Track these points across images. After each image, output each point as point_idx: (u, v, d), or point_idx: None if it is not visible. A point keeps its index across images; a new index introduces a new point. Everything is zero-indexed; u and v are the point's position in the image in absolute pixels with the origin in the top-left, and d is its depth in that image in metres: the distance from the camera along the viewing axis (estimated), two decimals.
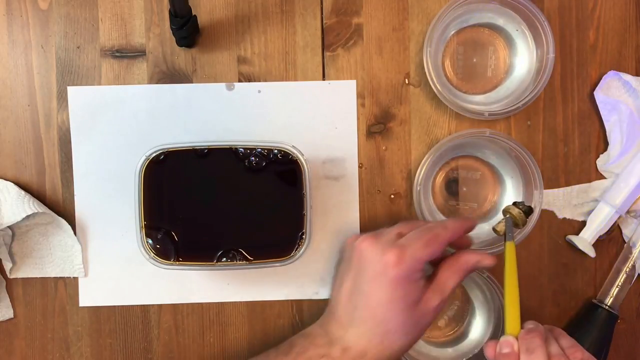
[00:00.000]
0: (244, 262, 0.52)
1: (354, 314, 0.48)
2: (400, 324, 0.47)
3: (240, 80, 0.57)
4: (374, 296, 0.47)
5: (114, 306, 0.57)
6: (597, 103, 0.57)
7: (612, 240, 0.59)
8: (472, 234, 0.58)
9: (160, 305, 0.57)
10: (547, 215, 0.58)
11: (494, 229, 0.51)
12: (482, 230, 0.58)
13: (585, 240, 0.57)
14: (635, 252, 0.57)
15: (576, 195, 0.58)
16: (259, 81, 0.57)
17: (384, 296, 0.46)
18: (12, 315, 0.57)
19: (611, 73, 0.57)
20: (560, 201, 0.58)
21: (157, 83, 0.57)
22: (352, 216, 0.57)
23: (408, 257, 0.46)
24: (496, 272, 0.58)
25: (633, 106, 0.57)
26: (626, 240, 0.58)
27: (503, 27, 0.58)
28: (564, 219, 0.59)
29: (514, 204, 0.51)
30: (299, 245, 0.52)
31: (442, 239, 0.48)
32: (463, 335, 0.59)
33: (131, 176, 0.51)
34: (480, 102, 0.58)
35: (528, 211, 0.51)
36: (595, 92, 0.57)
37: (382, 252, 0.46)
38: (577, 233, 0.58)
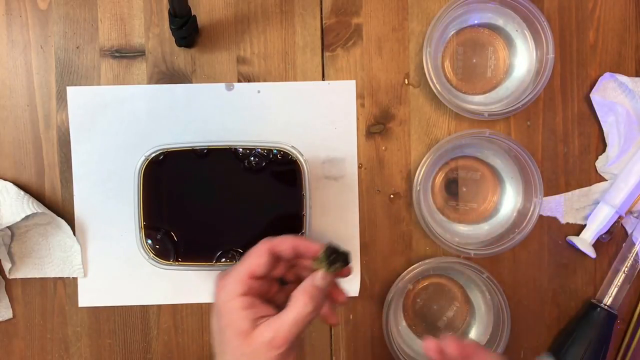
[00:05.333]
0: None
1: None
2: (230, 356, 0.41)
3: (239, 81, 0.57)
4: (211, 327, 0.44)
5: (113, 306, 0.57)
6: (594, 105, 0.57)
7: (612, 241, 0.59)
8: (470, 234, 0.58)
9: (159, 306, 0.57)
10: (548, 217, 0.58)
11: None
12: (482, 230, 0.58)
13: (585, 241, 0.57)
14: (633, 251, 0.57)
15: (577, 199, 0.58)
16: (259, 81, 0.57)
17: (214, 326, 0.44)
18: (11, 316, 0.57)
19: (607, 75, 0.57)
20: (563, 207, 0.58)
21: (156, 83, 0.56)
22: (352, 216, 0.57)
23: (227, 283, 0.43)
24: (495, 272, 0.58)
25: (629, 107, 0.57)
26: (635, 241, 0.58)
27: (503, 27, 0.58)
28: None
29: (329, 254, 0.43)
30: None
31: (260, 249, 0.44)
32: (463, 336, 0.59)
33: (130, 176, 0.51)
34: (479, 102, 0.58)
35: (334, 261, 0.43)
36: (591, 94, 0.57)
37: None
38: (577, 234, 0.58)
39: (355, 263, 0.57)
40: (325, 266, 0.43)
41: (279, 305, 0.43)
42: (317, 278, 0.43)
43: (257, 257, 0.43)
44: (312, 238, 0.45)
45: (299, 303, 0.41)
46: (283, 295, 0.46)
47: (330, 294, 0.46)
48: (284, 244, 0.44)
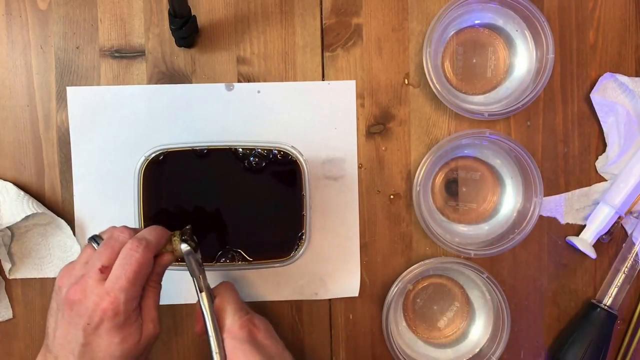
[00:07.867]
0: (243, 262, 0.52)
1: None
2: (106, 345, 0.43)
3: (239, 81, 0.57)
4: (104, 350, 0.43)
5: None
6: (594, 105, 0.57)
7: (612, 241, 0.59)
8: (470, 234, 0.58)
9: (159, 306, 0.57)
10: (548, 217, 0.58)
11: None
12: (482, 230, 0.58)
13: (585, 241, 0.57)
14: (633, 252, 0.57)
15: (577, 200, 0.58)
16: (259, 81, 0.57)
17: (114, 350, 0.43)
18: (11, 316, 0.57)
19: (607, 75, 0.57)
20: (563, 207, 0.58)
21: (156, 83, 0.56)
22: (352, 216, 0.57)
23: (122, 305, 0.42)
24: (495, 272, 0.58)
25: (629, 107, 0.57)
26: (635, 241, 0.58)
27: (503, 27, 0.58)
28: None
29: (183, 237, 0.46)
30: (298, 246, 0.52)
31: (145, 261, 0.44)
32: (463, 336, 0.59)
33: (130, 176, 0.50)
34: (479, 102, 0.58)
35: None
36: (591, 94, 0.57)
37: (95, 303, 0.42)
38: (577, 234, 0.58)
39: (355, 263, 0.57)
40: (178, 241, 0.46)
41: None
42: (164, 261, 0.47)
43: (147, 269, 0.44)
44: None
45: (151, 295, 0.46)
46: None
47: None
48: (162, 239, 0.46)
